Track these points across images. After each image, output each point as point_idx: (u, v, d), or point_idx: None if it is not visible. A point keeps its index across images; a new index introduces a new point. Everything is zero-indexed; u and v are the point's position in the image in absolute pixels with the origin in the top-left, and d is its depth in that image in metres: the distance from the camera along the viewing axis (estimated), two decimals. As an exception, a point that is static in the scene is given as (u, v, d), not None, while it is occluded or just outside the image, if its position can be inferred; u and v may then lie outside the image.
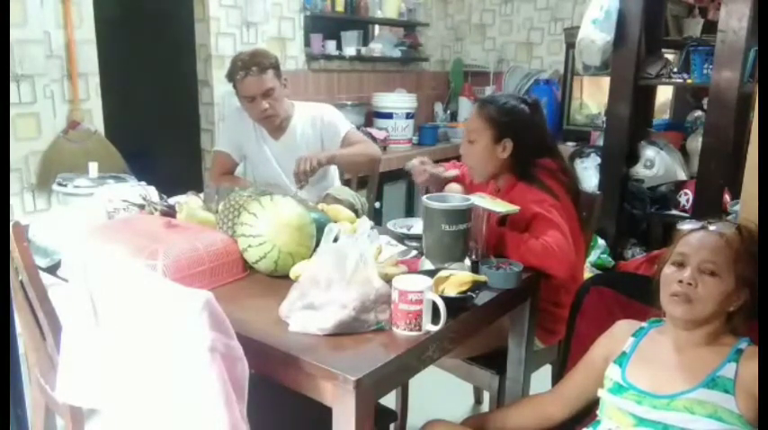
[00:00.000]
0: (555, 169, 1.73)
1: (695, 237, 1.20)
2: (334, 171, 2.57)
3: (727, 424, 1.09)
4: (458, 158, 2.16)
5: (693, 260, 1.17)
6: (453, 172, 2.02)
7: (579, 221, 1.75)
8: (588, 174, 3.60)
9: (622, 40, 3.19)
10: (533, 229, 1.59)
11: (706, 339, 1.19)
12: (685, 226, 1.25)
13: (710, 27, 3.44)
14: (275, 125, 2.37)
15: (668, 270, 1.20)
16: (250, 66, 2.22)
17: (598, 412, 1.28)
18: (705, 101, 3.28)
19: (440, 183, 1.98)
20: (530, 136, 1.73)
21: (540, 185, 1.66)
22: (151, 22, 4.16)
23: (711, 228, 1.21)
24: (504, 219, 1.70)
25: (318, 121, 2.41)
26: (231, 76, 2.28)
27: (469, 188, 1.94)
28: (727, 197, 3.12)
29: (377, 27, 4.47)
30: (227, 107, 2.67)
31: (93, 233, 1.48)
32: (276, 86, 2.27)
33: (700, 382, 1.14)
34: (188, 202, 1.72)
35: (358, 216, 1.90)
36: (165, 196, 1.87)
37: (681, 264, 1.18)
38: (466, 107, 4.64)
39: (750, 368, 1.11)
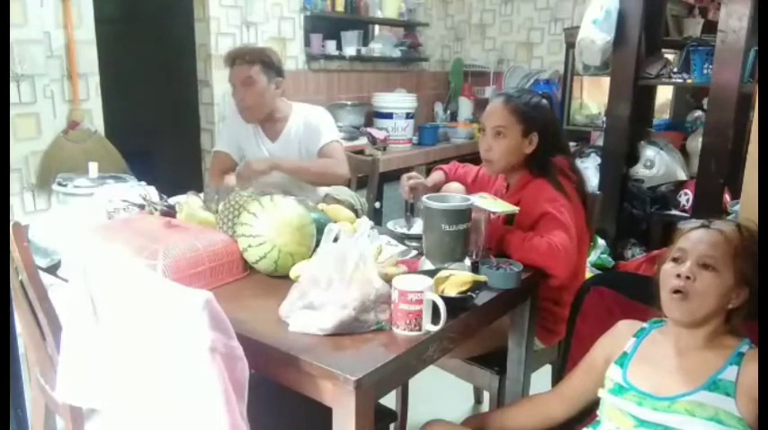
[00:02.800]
0: (566, 168, 1.74)
1: (695, 234, 1.20)
2: None
3: (728, 426, 1.09)
4: (457, 158, 2.15)
5: (692, 255, 1.17)
6: (437, 175, 2.02)
7: (586, 221, 1.75)
8: (588, 174, 3.60)
9: (622, 40, 3.20)
10: (540, 228, 1.59)
11: (707, 339, 1.19)
12: (686, 225, 1.26)
13: (710, 27, 3.44)
14: (252, 118, 2.37)
15: (667, 266, 1.20)
16: (240, 55, 2.29)
17: (598, 412, 1.28)
18: (705, 101, 3.28)
19: (429, 191, 1.95)
20: (552, 131, 1.74)
21: (555, 183, 1.66)
22: (151, 21, 4.17)
23: (711, 225, 1.21)
24: (511, 218, 1.69)
25: (309, 123, 2.40)
26: (226, 64, 2.34)
27: (471, 188, 1.94)
28: (727, 197, 3.12)
29: (377, 27, 4.47)
30: (228, 107, 2.68)
31: (93, 233, 1.48)
32: (259, 81, 2.28)
33: (701, 385, 1.14)
34: (188, 202, 1.72)
35: (358, 216, 1.90)
36: (165, 196, 1.86)
37: (680, 260, 1.19)
38: (466, 107, 4.65)
39: (751, 371, 1.11)
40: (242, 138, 2.44)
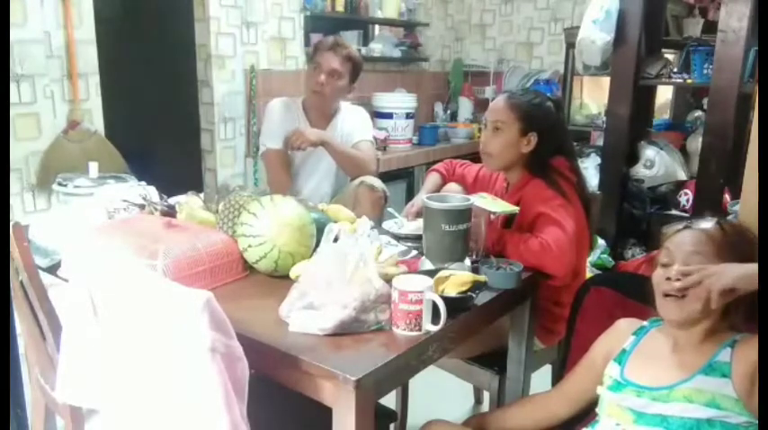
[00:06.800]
0: (566, 169, 1.73)
1: (678, 236, 1.22)
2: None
3: (726, 410, 1.10)
4: (457, 158, 2.15)
5: (678, 256, 1.19)
6: (431, 181, 2.06)
7: (587, 222, 1.75)
8: (588, 174, 3.59)
9: (622, 40, 3.19)
10: (535, 228, 1.59)
11: (704, 336, 1.20)
12: (670, 228, 1.27)
13: (710, 27, 3.44)
14: (318, 108, 2.50)
15: (657, 271, 1.22)
16: (341, 46, 2.40)
17: (597, 410, 1.28)
18: (705, 101, 3.28)
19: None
20: (553, 134, 1.74)
21: (554, 185, 1.66)
22: (151, 21, 4.15)
23: (693, 226, 1.23)
24: (509, 221, 1.69)
25: (349, 121, 2.55)
26: (318, 45, 2.43)
27: (471, 189, 1.94)
28: (727, 197, 3.11)
29: (377, 27, 4.47)
30: (269, 104, 2.54)
31: (93, 233, 1.48)
32: (343, 78, 2.42)
33: (697, 370, 1.16)
34: (188, 202, 1.72)
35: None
36: (165, 196, 1.86)
37: (668, 264, 1.20)
38: (466, 107, 4.64)
39: (745, 350, 1.12)
40: (287, 128, 2.48)
